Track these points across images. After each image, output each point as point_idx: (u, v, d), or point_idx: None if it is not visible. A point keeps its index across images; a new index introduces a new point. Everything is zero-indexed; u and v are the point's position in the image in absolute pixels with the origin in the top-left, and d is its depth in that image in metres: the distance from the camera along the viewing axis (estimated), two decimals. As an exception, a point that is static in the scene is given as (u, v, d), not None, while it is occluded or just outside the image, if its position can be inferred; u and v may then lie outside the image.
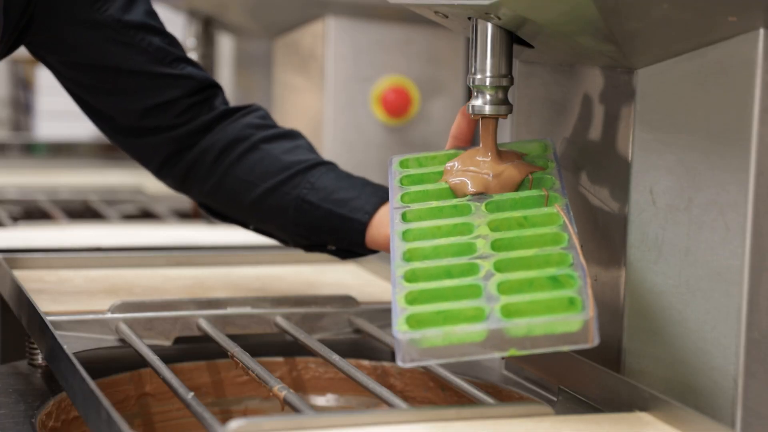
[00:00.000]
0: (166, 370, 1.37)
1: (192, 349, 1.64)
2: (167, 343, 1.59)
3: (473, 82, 1.37)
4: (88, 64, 1.69)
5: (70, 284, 1.79)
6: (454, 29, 1.49)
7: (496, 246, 1.29)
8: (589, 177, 1.45)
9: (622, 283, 1.40)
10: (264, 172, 1.67)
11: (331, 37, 2.33)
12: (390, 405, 1.30)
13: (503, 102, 1.37)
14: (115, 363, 1.58)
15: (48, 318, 1.48)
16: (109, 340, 1.56)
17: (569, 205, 1.34)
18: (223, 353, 1.50)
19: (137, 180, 3.23)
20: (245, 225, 1.74)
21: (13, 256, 1.87)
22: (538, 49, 1.42)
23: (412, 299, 1.23)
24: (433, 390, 1.60)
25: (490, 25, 1.34)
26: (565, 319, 1.17)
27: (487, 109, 1.37)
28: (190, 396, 1.25)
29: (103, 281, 1.80)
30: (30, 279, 1.78)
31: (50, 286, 1.76)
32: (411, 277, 1.27)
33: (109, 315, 1.57)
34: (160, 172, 1.75)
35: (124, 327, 1.55)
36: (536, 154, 1.42)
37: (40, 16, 1.65)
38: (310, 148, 1.71)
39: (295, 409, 1.26)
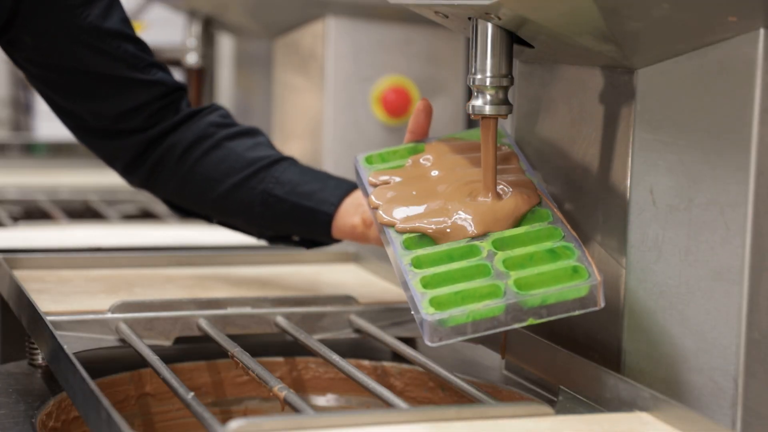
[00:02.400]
0: (166, 370, 1.37)
1: (192, 349, 1.64)
2: (167, 343, 1.59)
3: (473, 82, 1.37)
4: (64, 67, 1.74)
5: (70, 284, 1.79)
6: (454, 29, 1.49)
7: None
8: (589, 177, 1.45)
9: (622, 283, 1.40)
10: (228, 168, 1.75)
11: (331, 37, 2.33)
12: (390, 405, 1.30)
13: (503, 102, 1.37)
14: (115, 363, 1.58)
15: (48, 318, 1.48)
16: (109, 340, 1.56)
17: (541, 182, 1.46)
18: (223, 353, 1.50)
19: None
20: (209, 219, 1.83)
21: (13, 256, 1.87)
22: (538, 49, 1.42)
23: (426, 283, 1.33)
24: (433, 390, 1.60)
25: (490, 25, 1.34)
26: (576, 286, 1.29)
27: (488, 110, 1.37)
28: (190, 396, 1.25)
29: (103, 281, 1.80)
30: (30, 279, 1.78)
31: (50, 286, 1.76)
32: (417, 263, 1.37)
33: (109, 315, 1.57)
34: (125, 171, 1.82)
35: (124, 327, 1.55)
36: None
37: (25, 15, 1.69)
38: (271, 145, 1.80)
39: (295, 409, 1.26)
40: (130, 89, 1.76)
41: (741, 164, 1.23)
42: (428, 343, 1.27)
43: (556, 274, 1.31)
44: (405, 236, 1.40)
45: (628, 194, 1.38)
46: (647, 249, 1.36)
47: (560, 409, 1.33)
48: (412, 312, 1.32)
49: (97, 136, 1.80)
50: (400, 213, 1.43)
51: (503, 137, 1.55)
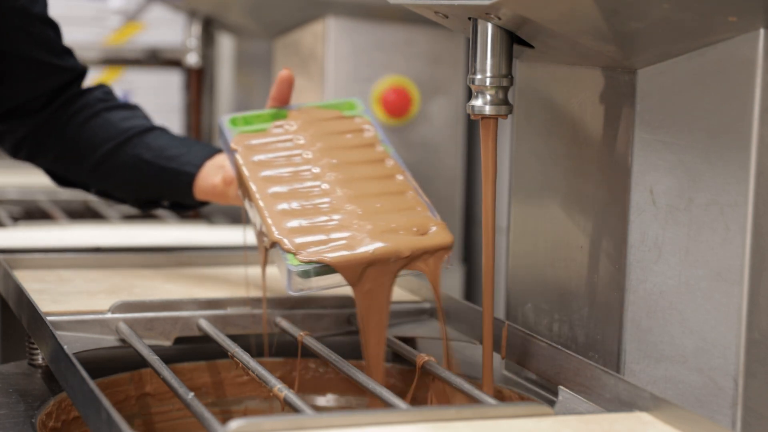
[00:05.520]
0: (166, 370, 1.37)
1: (192, 349, 1.64)
2: (167, 343, 1.59)
3: (473, 82, 1.37)
4: None
5: (70, 284, 1.78)
6: (454, 29, 1.49)
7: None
8: (589, 177, 1.45)
9: (622, 283, 1.40)
10: (105, 135, 1.86)
11: (331, 37, 2.33)
12: (390, 405, 1.30)
13: (503, 102, 1.37)
14: (115, 363, 1.58)
15: (48, 318, 1.48)
16: (109, 340, 1.56)
17: (396, 153, 1.61)
18: (223, 353, 1.50)
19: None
20: (87, 188, 1.92)
21: (13, 256, 1.87)
22: (538, 49, 1.42)
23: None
24: (433, 390, 1.60)
25: (490, 25, 1.34)
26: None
27: (488, 110, 1.37)
28: (190, 396, 1.25)
29: (103, 281, 1.80)
30: (30, 279, 1.78)
31: (50, 286, 1.76)
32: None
33: (109, 315, 1.57)
34: (14, 148, 1.92)
35: (124, 327, 1.55)
36: (349, 110, 1.67)
37: None
38: (146, 117, 1.91)
39: (295, 409, 1.26)
40: (45, 73, 1.86)
41: (741, 164, 1.23)
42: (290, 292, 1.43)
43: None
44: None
45: (628, 194, 1.38)
46: (647, 249, 1.36)
47: (560, 409, 1.33)
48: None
49: (4, 117, 1.88)
50: (301, 239, 1.48)
51: (356, 108, 1.68)
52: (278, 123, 1.66)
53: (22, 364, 1.60)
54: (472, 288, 2.50)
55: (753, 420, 1.25)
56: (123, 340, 1.55)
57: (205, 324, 1.58)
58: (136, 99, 3.63)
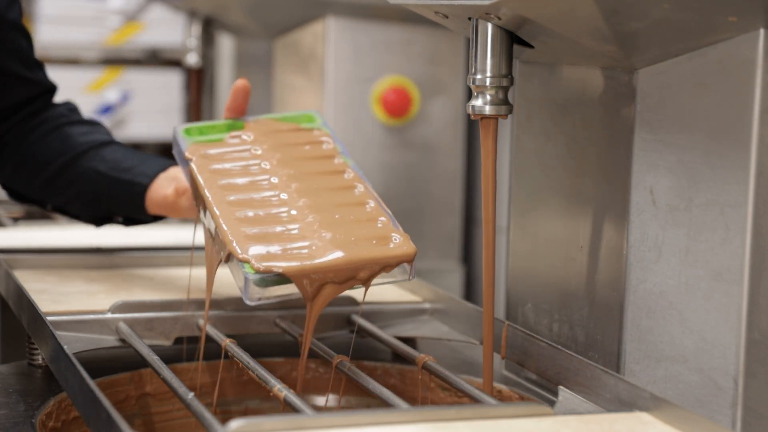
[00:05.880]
0: (166, 370, 1.37)
1: (192, 349, 1.64)
2: (167, 343, 1.59)
3: (473, 82, 1.37)
4: None
5: (70, 284, 1.78)
6: (454, 29, 1.49)
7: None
8: (589, 177, 1.45)
9: (622, 283, 1.40)
10: (61, 149, 1.81)
11: (331, 37, 2.33)
12: (390, 405, 1.30)
13: (503, 102, 1.37)
14: (115, 363, 1.58)
15: (48, 318, 1.48)
16: (109, 340, 1.56)
17: (356, 165, 1.58)
18: (222, 353, 1.50)
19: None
20: (43, 205, 1.88)
21: (13, 256, 1.87)
22: (538, 49, 1.42)
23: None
24: (433, 390, 1.60)
25: (490, 25, 1.34)
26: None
27: (488, 110, 1.37)
28: (190, 396, 1.25)
29: (103, 281, 1.80)
30: (30, 279, 1.78)
31: (50, 286, 1.76)
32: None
33: (109, 315, 1.57)
34: None
35: (124, 327, 1.55)
36: (308, 122, 1.65)
37: None
38: (108, 134, 1.86)
39: (295, 409, 1.26)
40: (13, 85, 1.82)
41: (741, 164, 1.23)
42: (247, 302, 1.38)
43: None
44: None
45: (628, 194, 1.38)
46: (647, 249, 1.36)
47: (560, 409, 1.33)
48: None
49: None
50: (257, 248, 1.42)
51: (315, 121, 1.65)
52: (234, 134, 1.62)
53: (22, 364, 1.60)
54: (472, 288, 2.50)
55: (753, 420, 1.25)
56: (123, 340, 1.55)
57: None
58: (136, 99, 3.63)
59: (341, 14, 2.33)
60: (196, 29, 2.95)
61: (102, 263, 1.91)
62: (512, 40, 1.36)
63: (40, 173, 1.82)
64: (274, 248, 1.41)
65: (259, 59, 2.89)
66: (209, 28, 2.97)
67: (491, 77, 1.35)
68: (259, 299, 1.39)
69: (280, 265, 1.37)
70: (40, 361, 1.57)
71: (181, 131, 1.62)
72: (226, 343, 1.48)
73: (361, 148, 2.33)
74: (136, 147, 3.93)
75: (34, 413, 1.41)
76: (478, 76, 1.36)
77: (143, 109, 3.64)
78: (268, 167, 1.56)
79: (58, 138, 1.83)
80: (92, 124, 1.87)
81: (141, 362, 1.48)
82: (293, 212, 1.48)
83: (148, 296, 1.71)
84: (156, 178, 1.75)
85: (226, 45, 3.22)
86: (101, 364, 1.57)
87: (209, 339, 1.55)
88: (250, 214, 1.47)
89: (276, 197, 1.51)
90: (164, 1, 3.12)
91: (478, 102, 1.37)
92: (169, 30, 3.48)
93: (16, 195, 1.90)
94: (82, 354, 1.49)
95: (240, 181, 1.54)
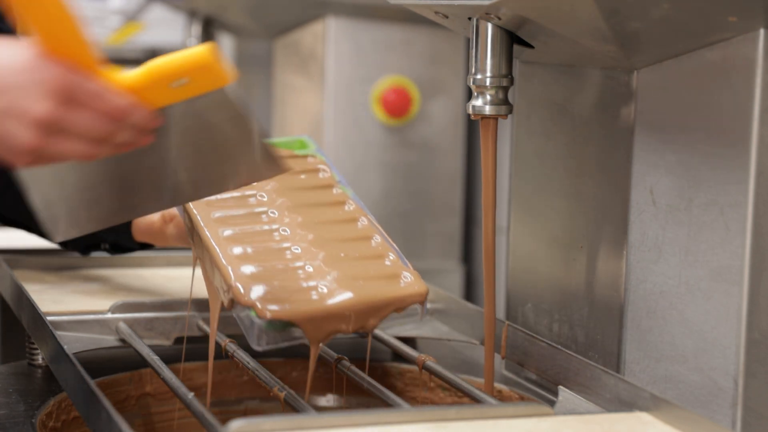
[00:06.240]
0: (166, 370, 1.37)
1: (192, 349, 1.64)
2: (167, 343, 1.59)
3: (473, 82, 1.37)
4: None
5: (70, 284, 1.78)
6: (454, 29, 1.49)
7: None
8: (589, 177, 1.45)
9: (622, 283, 1.40)
10: None
11: (331, 37, 2.33)
12: (390, 405, 1.30)
13: (503, 102, 1.37)
14: (115, 363, 1.58)
15: (48, 318, 1.48)
16: (109, 340, 1.56)
17: (356, 195, 1.50)
18: (223, 353, 1.50)
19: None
20: (30, 229, 1.76)
21: (13, 256, 1.87)
22: (538, 49, 1.42)
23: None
24: (433, 390, 1.60)
25: (490, 25, 1.34)
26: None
27: (488, 109, 1.37)
28: (190, 396, 1.25)
29: (103, 281, 1.80)
30: (30, 279, 1.78)
31: (50, 286, 1.76)
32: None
33: (109, 315, 1.57)
34: None
35: (124, 327, 1.55)
36: (301, 148, 1.56)
37: None
38: None
39: (295, 409, 1.26)
40: None
41: (741, 164, 1.23)
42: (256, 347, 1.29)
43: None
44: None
45: (628, 194, 1.38)
46: (647, 249, 1.36)
47: (560, 409, 1.33)
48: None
49: None
50: (262, 291, 1.33)
51: (308, 147, 1.56)
52: None
53: (22, 364, 1.60)
54: (472, 288, 2.50)
55: (753, 420, 1.25)
56: (123, 340, 1.55)
57: (205, 324, 1.58)
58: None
59: (341, 14, 2.33)
60: (196, 29, 2.94)
61: (102, 263, 1.91)
62: (512, 40, 1.36)
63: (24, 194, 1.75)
64: (280, 290, 1.32)
65: (259, 59, 2.88)
66: (209, 28, 2.96)
67: (491, 77, 1.35)
68: (267, 344, 1.30)
69: (288, 312, 1.29)
70: (40, 361, 1.57)
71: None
72: (226, 343, 1.47)
73: (361, 148, 2.33)
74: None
75: (34, 413, 1.41)
76: (478, 76, 1.36)
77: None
78: (265, 199, 1.48)
79: None
80: None
81: (141, 362, 1.48)
82: (296, 249, 1.39)
83: (148, 296, 1.71)
84: None
85: (226, 45, 3.22)
86: (101, 364, 1.57)
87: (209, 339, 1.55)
88: (250, 250, 1.38)
89: (276, 232, 1.42)
90: (164, 1, 3.11)
91: (478, 102, 1.37)
92: (169, 30, 3.48)
93: (4, 219, 1.80)
94: (82, 354, 1.49)
95: (236, 213, 1.45)
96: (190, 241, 1.47)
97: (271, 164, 1.27)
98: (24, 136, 1.06)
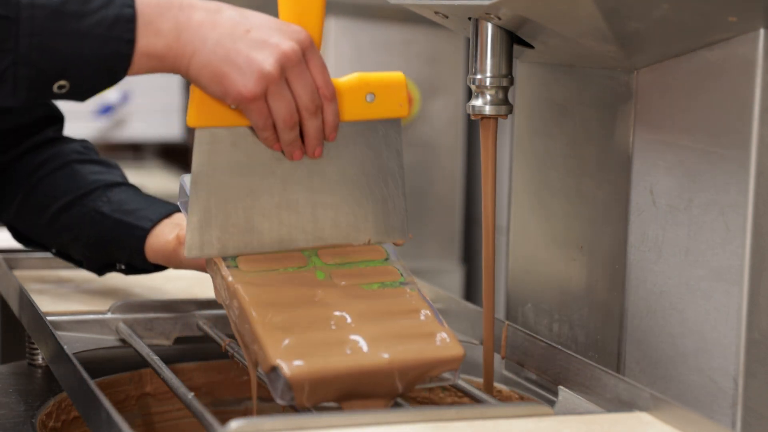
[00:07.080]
0: (166, 370, 1.37)
1: (192, 349, 1.64)
2: (167, 343, 1.59)
3: (473, 82, 1.37)
4: None
5: (70, 284, 1.78)
6: (454, 29, 1.49)
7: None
8: (590, 177, 1.45)
9: (622, 283, 1.40)
10: (68, 187, 1.69)
11: (331, 37, 2.33)
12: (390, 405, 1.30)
13: (503, 102, 1.37)
14: (115, 363, 1.58)
15: (48, 318, 1.48)
16: (109, 340, 1.56)
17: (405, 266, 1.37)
18: (223, 353, 1.50)
19: (137, 180, 3.22)
20: (47, 247, 1.74)
21: (13, 256, 1.87)
22: (538, 49, 1.42)
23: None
24: (432, 390, 1.60)
25: (490, 25, 1.34)
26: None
27: (488, 110, 1.37)
28: (190, 396, 1.25)
29: (103, 281, 1.80)
30: (30, 279, 1.78)
31: (50, 286, 1.76)
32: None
33: (109, 315, 1.57)
34: None
35: (124, 327, 1.55)
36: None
37: None
38: (122, 176, 1.73)
39: (294, 409, 1.26)
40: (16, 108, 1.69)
41: (741, 164, 1.23)
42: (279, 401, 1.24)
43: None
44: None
45: (628, 194, 1.38)
46: (647, 249, 1.36)
47: (560, 409, 1.33)
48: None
49: None
50: (291, 346, 1.24)
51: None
52: None
53: (22, 364, 1.60)
54: (472, 288, 2.50)
55: (753, 420, 1.25)
56: (123, 340, 1.55)
57: (205, 324, 1.58)
58: (136, 99, 3.63)
59: (341, 14, 2.33)
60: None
61: (102, 263, 1.91)
62: (512, 40, 1.36)
63: (44, 212, 1.69)
64: (310, 348, 1.24)
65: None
66: (209, 28, 2.96)
67: (491, 77, 1.35)
68: (292, 399, 1.23)
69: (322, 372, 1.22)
70: (40, 361, 1.57)
71: (188, 179, 1.36)
72: (226, 343, 1.47)
73: (361, 148, 2.33)
74: (136, 147, 3.94)
75: (34, 413, 1.41)
76: (478, 76, 1.36)
77: (143, 109, 3.64)
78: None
79: (66, 175, 1.70)
80: (107, 164, 1.74)
81: (141, 362, 1.48)
82: (328, 304, 1.29)
83: (148, 296, 1.71)
84: (158, 224, 1.61)
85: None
86: (101, 364, 1.57)
87: (209, 339, 1.55)
88: (286, 315, 1.28)
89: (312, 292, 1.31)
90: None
91: (478, 102, 1.37)
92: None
93: (21, 237, 1.77)
94: (82, 354, 1.50)
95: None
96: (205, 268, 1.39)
97: (396, 229, 1.37)
98: (268, 62, 1.24)
